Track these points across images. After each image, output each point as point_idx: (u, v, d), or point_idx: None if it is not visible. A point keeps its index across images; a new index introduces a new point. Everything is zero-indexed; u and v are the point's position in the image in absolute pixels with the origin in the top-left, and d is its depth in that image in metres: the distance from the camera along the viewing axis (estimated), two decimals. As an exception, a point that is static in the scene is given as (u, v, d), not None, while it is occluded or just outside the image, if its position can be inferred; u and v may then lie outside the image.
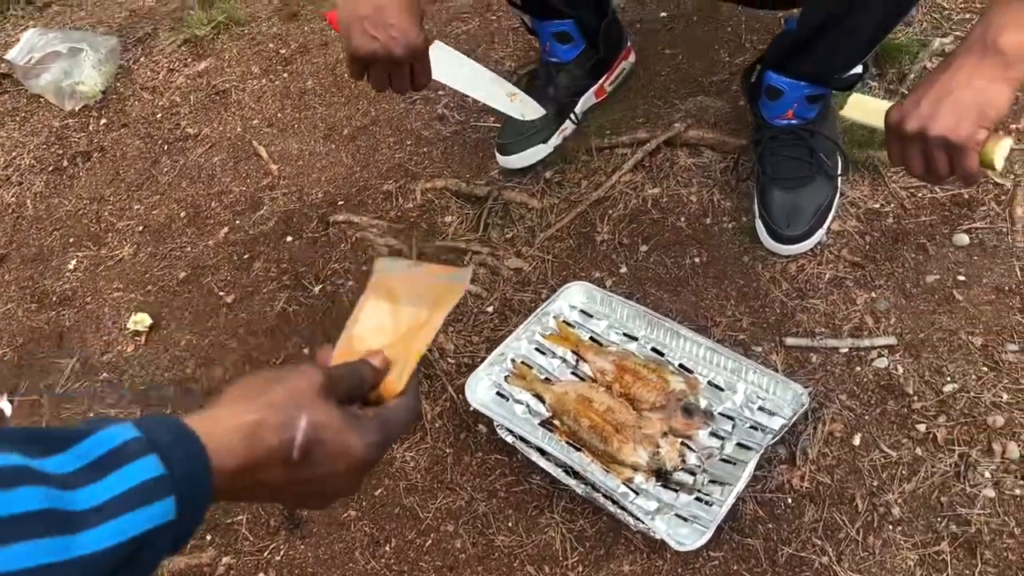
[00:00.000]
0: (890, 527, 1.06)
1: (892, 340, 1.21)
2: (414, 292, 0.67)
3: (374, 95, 1.80)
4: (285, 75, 1.97)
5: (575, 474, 1.09)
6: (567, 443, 1.13)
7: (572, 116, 1.48)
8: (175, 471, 0.45)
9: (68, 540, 0.40)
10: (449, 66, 1.23)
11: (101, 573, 0.41)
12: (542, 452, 1.12)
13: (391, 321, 0.66)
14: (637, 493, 1.07)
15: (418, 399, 0.65)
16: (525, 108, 1.36)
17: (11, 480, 0.40)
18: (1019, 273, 1.23)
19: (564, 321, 1.28)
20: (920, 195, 1.35)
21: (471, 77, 1.29)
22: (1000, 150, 0.86)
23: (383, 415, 0.59)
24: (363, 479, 0.57)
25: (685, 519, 1.04)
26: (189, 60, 2.11)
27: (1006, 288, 1.23)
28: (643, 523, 1.03)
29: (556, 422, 1.15)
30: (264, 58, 2.04)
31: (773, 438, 1.06)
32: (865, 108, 0.99)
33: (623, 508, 1.05)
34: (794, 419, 1.08)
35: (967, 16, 1.57)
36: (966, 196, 1.33)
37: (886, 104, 0.94)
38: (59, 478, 0.42)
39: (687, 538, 1.00)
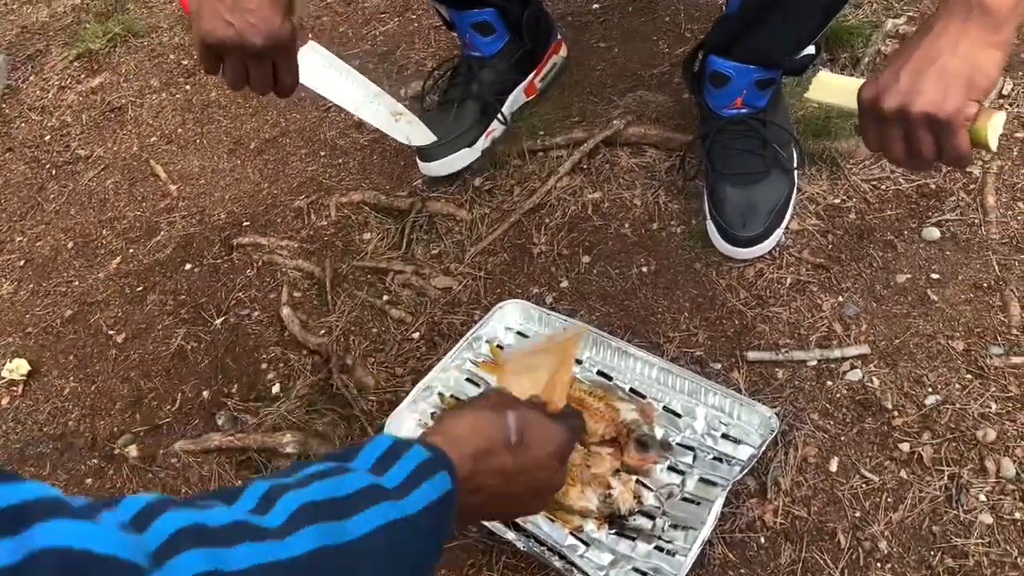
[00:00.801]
0: (878, 565, 0.93)
1: (865, 349, 1.08)
2: (541, 356, 0.82)
3: (284, 105, 1.63)
4: (187, 87, 1.79)
5: (516, 526, 0.93)
6: (505, 488, 0.97)
7: (500, 116, 1.33)
8: (435, 454, 0.56)
9: (394, 504, 0.51)
10: (324, 72, 1.07)
11: (426, 529, 0.52)
12: (477, 501, 0.96)
13: (530, 383, 0.78)
14: (587, 544, 0.92)
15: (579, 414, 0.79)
16: (412, 131, 1.20)
17: (339, 470, 0.52)
18: (997, 268, 1.12)
19: (499, 346, 1.12)
20: (883, 188, 1.23)
21: (350, 88, 1.12)
22: (994, 126, 0.73)
23: (565, 412, 0.74)
24: (565, 468, 0.68)
25: (645, 573, 0.88)
26: (82, 76, 1.92)
27: (984, 285, 1.11)
28: (596, 580, 0.87)
29: (492, 464, 0.99)
30: (164, 70, 1.86)
31: (741, 471, 0.91)
32: (833, 87, 0.85)
33: (572, 564, 0.89)
34: (763, 447, 0.93)
35: (917, -4, 1.47)
36: (933, 187, 1.21)
37: (858, 81, 0.81)
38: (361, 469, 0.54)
39: (648, 596, 0.85)
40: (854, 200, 1.23)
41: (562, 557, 0.89)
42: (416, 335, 1.21)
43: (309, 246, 1.36)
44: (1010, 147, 1.23)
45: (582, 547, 0.91)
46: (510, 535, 0.93)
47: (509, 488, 0.62)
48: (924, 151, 0.74)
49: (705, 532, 0.87)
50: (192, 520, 0.41)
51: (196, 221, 1.48)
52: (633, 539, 0.91)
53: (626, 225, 1.27)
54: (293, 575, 0.43)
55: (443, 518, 0.54)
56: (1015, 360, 1.03)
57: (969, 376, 1.04)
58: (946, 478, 0.96)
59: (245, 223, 1.44)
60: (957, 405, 1.01)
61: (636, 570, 0.88)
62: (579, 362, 1.07)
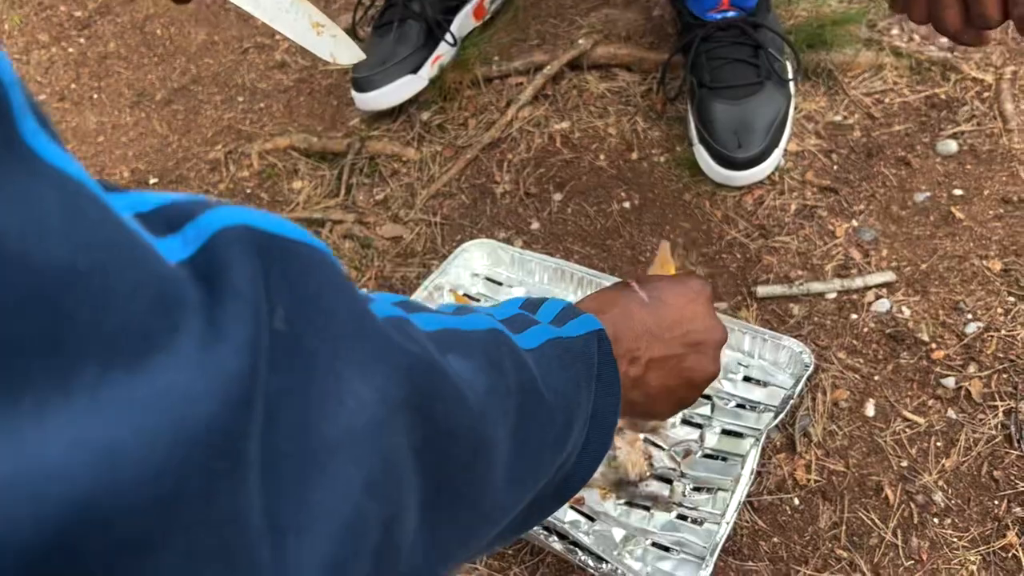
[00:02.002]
0: (935, 521, 0.77)
1: (890, 276, 0.93)
2: None
3: (194, 50, 1.42)
4: (81, 40, 1.56)
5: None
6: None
7: (448, 37, 1.15)
8: (572, 307, 0.50)
9: (557, 327, 0.46)
10: None
11: (583, 355, 0.46)
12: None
13: None
14: (592, 520, 0.74)
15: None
16: (337, 47, 1.00)
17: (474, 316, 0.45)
18: (1026, 179, 0.98)
19: (465, 295, 0.94)
20: (888, 101, 1.09)
21: None
22: None
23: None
24: (716, 317, 0.57)
25: (666, 548, 0.71)
26: (-43, 35, 1.66)
27: (1014, 199, 0.97)
28: (606, 563, 0.70)
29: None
30: (54, 24, 1.61)
31: (776, 417, 0.75)
32: None
33: (575, 544, 0.71)
34: (800, 388, 0.77)
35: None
36: (943, 97, 1.08)
37: None
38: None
39: (675, 577, 0.68)
40: (857, 116, 1.08)
41: (563, 537, 0.71)
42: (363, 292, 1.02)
43: (229, 201, 1.15)
44: (1022, 51, 1.10)
45: (586, 523, 0.74)
46: (496, 515, 0.74)
47: (667, 349, 0.53)
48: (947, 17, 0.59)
49: (740, 492, 0.70)
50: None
51: (94, 183, 1.26)
52: (648, 509, 0.74)
53: (601, 157, 1.10)
54: (475, 341, 0.39)
55: (606, 358, 0.47)
56: (1062, 277, 0.90)
57: (1012, 298, 0.90)
58: (1001, 414, 0.82)
59: (152, 180, 1.22)
60: (1003, 331, 0.87)
61: (656, 545, 0.71)
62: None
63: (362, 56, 1.02)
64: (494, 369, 0.39)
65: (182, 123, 1.31)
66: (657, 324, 0.53)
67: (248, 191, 1.16)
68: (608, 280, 0.89)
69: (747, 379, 0.81)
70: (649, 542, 0.72)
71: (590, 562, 0.70)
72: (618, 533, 0.72)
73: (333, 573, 0.25)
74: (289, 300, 0.26)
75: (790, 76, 1.05)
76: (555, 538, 0.72)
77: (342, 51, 1.00)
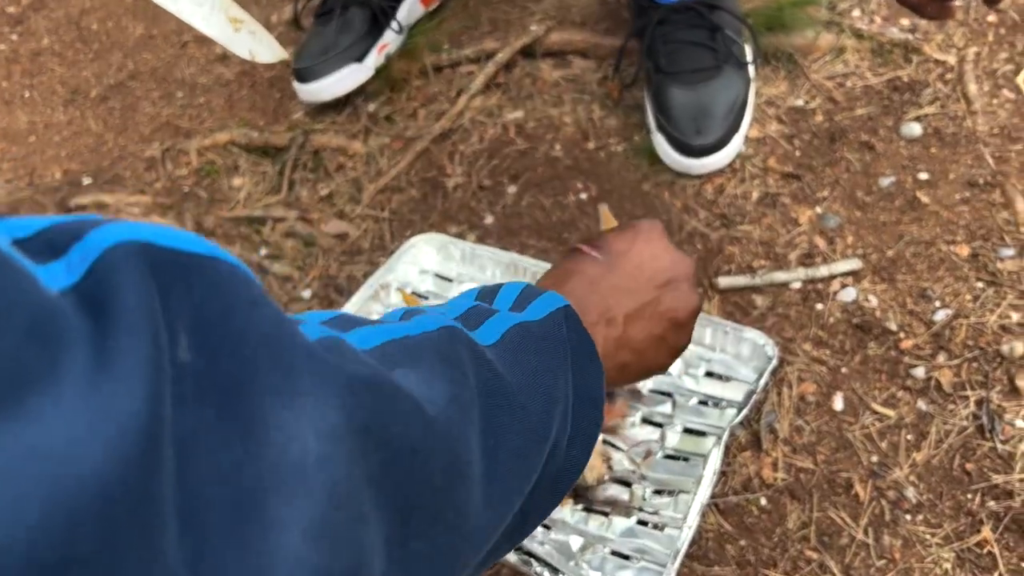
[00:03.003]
0: (908, 517, 0.74)
1: (856, 264, 0.89)
2: None
3: (132, 45, 1.35)
4: (14, 37, 1.48)
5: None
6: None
7: (394, 24, 1.10)
8: (530, 286, 0.46)
9: (518, 313, 0.43)
10: None
11: (551, 337, 0.42)
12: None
13: None
14: (548, 528, 0.69)
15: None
16: (256, 44, 0.95)
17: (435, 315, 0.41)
18: (992, 162, 0.95)
19: (414, 293, 0.89)
20: (850, 85, 1.05)
21: None
22: None
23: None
24: (677, 252, 0.54)
25: (626, 557, 0.67)
26: None
27: (980, 182, 0.94)
28: (562, 574, 0.65)
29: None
30: (-15, 20, 1.54)
31: (739, 414, 0.71)
32: None
33: (529, 555, 0.66)
34: (763, 382, 0.73)
35: None
36: (905, 79, 1.05)
37: None
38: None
39: (636, 587, 0.64)
40: (819, 100, 1.05)
41: (518, 548, 0.67)
42: (307, 293, 0.96)
43: (166, 200, 1.09)
44: (984, 31, 1.08)
45: (541, 531, 0.69)
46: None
47: (639, 299, 0.50)
48: None
49: (703, 494, 0.66)
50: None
51: (25, 184, 1.19)
52: (606, 515, 0.70)
53: (557, 147, 1.06)
54: (415, 346, 0.35)
55: (578, 333, 0.43)
56: (1031, 261, 0.87)
57: (980, 284, 0.86)
58: (972, 405, 0.79)
59: (86, 181, 1.16)
60: (972, 318, 0.84)
61: (616, 553, 0.67)
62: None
63: (284, 55, 0.97)
64: (454, 371, 0.34)
65: (118, 121, 1.24)
66: (620, 277, 0.50)
67: (186, 189, 1.10)
68: (563, 274, 0.85)
69: (709, 374, 0.77)
70: (608, 550, 0.67)
71: (546, 573, 0.65)
72: (576, 542, 0.68)
73: None
74: (193, 324, 0.22)
75: (749, 59, 1.01)
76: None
77: (262, 48, 0.95)
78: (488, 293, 0.46)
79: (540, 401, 0.39)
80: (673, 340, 0.51)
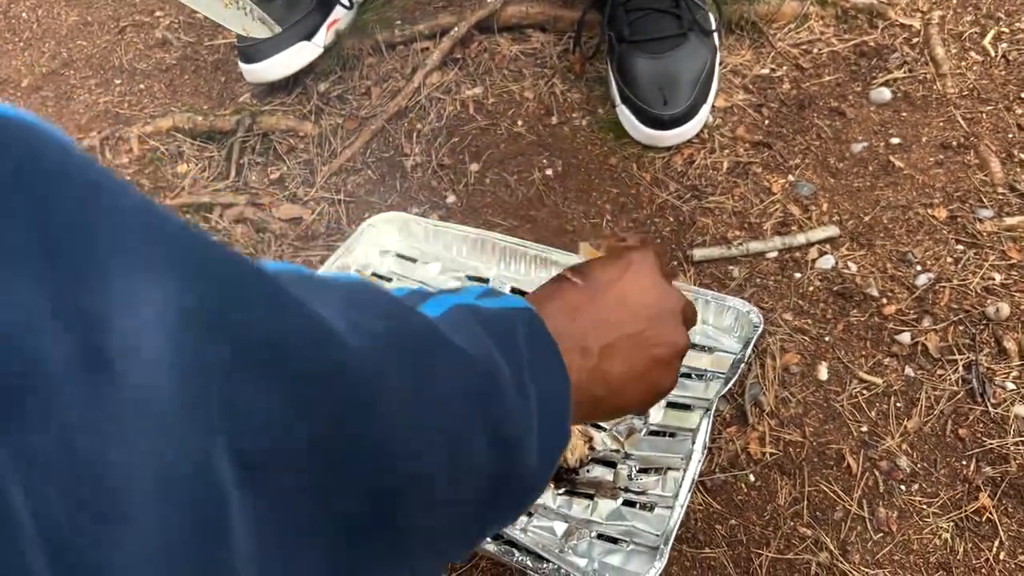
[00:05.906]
0: (902, 488, 0.71)
1: (833, 231, 0.87)
2: None
3: (65, 33, 1.28)
4: (-64, 29, 1.39)
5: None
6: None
7: (343, 0, 1.04)
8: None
9: (472, 299, 0.40)
10: None
11: (499, 319, 0.38)
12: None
13: None
14: (530, 515, 0.65)
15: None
16: (248, 21, 0.90)
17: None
18: (964, 123, 0.93)
19: (375, 275, 0.84)
20: (816, 51, 1.03)
21: None
22: None
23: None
24: (663, 281, 0.49)
25: (614, 540, 0.62)
26: None
27: (954, 144, 0.92)
28: (547, 562, 0.60)
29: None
30: (-95, 13, 1.45)
31: (726, 384, 0.67)
32: None
33: (511, 543, 0.62)
34: (749, 350, 0.69)
35: None
36: (871, 44, 1.03)
37: None
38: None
39: (625, 573, 0.59)
40: (785, 68, 1.02)
41: (497, 536, 0.62)
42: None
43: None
44: (948, -5, 1.06)
45: (523, 518, 0.64)
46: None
47: (618, 331, 0.45)
48: None
49: (694, 470, 0.61)
50: None
51: (-51, 181, 1.11)
52: (590, 497, 0.65)
53: (519, 123, 1.01)
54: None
55: (539, 335, 0.39)
56: (1010, 221, 0.85)
57: (960, 247, 0.84)
58: (961, 368, 0.76)
59: (16, 174, 1.08)
60: (954, 281, 0.82)
61: (603, 537, 0.62)
62: (485, 280, 0.81)
63: (277, 29, 0.91)
64: (376, 309, 0.29)
65: (52, 111, 1.16)
66: (601, 308, 0.46)
67: (127, 178, 1.03)
68: (535, 249, 0.80)
69: (691, 345, 0.73)
70: (594, 534, 0.63)
71: (528, 562, 0.60)
72: (559, 527, 0.63)
73: None
74: None
75: (713, 27, 0.98)
76: (487, 539, 0.62)
77: (254, 25, 0.89)
78: (449, 290, 0.42)
79: (481, 363, 0.34)
80: (654, 379, 0.47)
